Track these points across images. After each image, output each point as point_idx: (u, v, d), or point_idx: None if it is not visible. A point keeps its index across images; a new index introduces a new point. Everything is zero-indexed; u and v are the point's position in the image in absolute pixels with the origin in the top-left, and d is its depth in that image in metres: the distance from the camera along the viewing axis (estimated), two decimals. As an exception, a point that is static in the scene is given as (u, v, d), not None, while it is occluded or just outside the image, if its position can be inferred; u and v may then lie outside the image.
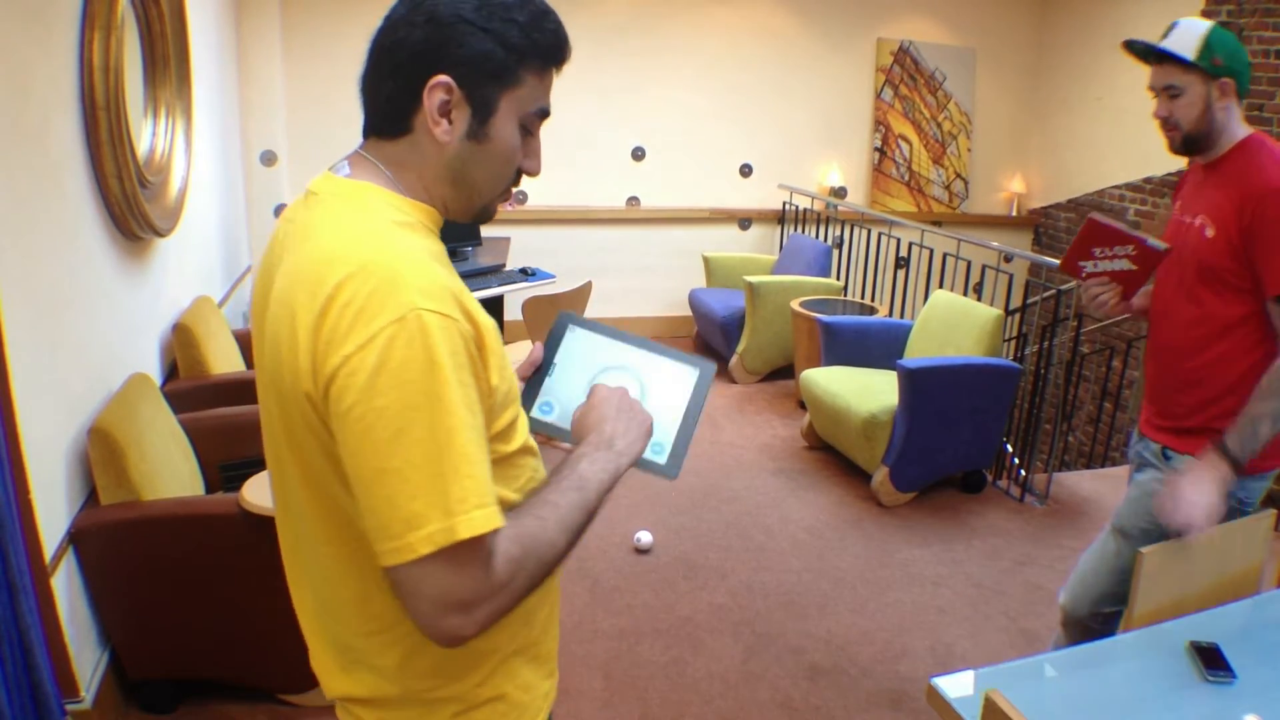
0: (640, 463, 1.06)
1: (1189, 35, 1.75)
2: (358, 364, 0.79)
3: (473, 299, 0.89)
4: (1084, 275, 1.93)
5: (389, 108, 0.93)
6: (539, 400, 1.12)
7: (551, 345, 1.14)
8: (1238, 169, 1.77)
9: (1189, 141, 1.80)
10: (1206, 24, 1.76)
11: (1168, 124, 1.81)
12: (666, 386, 1.12)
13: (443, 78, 0.89)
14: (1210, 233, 1.78)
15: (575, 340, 1.14)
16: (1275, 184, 1.70)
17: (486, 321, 0.88)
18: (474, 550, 0.81)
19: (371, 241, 0.86)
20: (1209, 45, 1.73)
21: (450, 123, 0.91)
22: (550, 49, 0.94)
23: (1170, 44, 1.77)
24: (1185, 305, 1.86)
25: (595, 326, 1.16)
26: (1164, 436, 1.95)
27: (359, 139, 0.98)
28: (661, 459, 1.09)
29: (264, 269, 0.97)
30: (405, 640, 0.93)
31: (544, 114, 0.97)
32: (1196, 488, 1.68)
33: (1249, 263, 1.73)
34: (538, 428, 1.11)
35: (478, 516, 0.80)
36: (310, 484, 0.90)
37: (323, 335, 0.81)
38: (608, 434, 1.01)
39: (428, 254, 0.88)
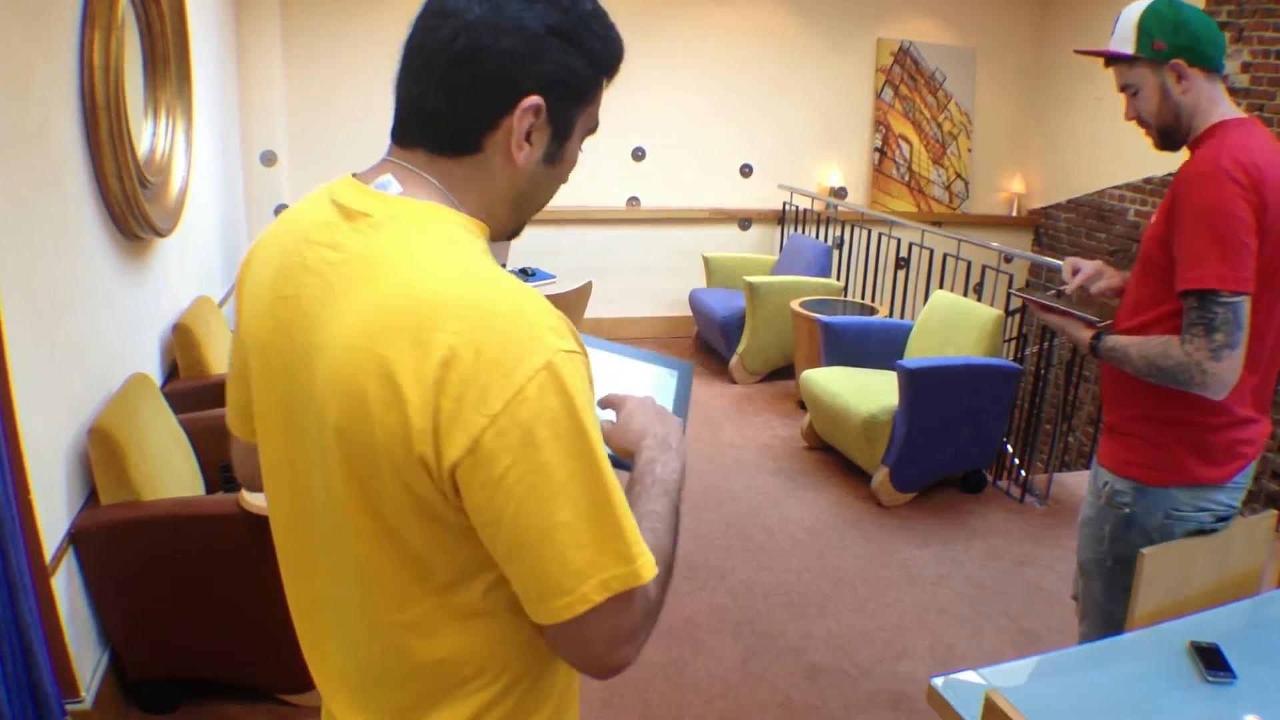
0: None
1: (1125, 27, 1.64)
2: (508, 422, 0.72)
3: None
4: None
5: (461, 125, 0.82)
6: None
7: None
8: (1192, 155, 1.64)
9: (1163, 135, 1.68)
10: (1140, 7, 1.62)
11: (1140, 124, 1.70)
12: (647, 392, 1.11)
13: (535, 99, 0.81)
14: (1153, 219, 1.68)
15: None
16: (1194, 170, 1.56)
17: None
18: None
19: (478, 277, 0.77)
20: (1144, 31, 1.61)
21: (530, 145, 0.83)
22: (619, 60, 0.88)
23: (1113, 42, 1.67)
24: (1129, 296, 1.77)
25: None
26: (1100, 443, 1.86)
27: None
28: None
29: (283, 299, 0.84)
30: (482, 693, 0.87)
31: (596, 127, 0.91)
32: (1063, 317, 1.84)
33: (1171, 254, 1.61)
34: None
35: (649, 555, 0.79)
36: (389, 547, 0.81)
37: (450, 391, 0.72)
38: (661, 435, 0.98)
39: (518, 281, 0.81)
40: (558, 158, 0.87)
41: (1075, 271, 1.91)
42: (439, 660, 0.85)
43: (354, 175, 0.87)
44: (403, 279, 0.76)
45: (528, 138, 0.82)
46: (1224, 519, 1.72)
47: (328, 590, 0.90)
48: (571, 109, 0.85)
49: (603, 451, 0.77)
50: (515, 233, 0.93)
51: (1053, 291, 1.97)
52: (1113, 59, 1.68)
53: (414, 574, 0.82)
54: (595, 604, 0.76)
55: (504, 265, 4.69)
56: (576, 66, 0.83)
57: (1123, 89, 1.69)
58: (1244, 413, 1.69)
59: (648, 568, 0.78)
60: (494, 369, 0.72)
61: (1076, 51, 1.81)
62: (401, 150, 0.86)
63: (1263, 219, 1.53)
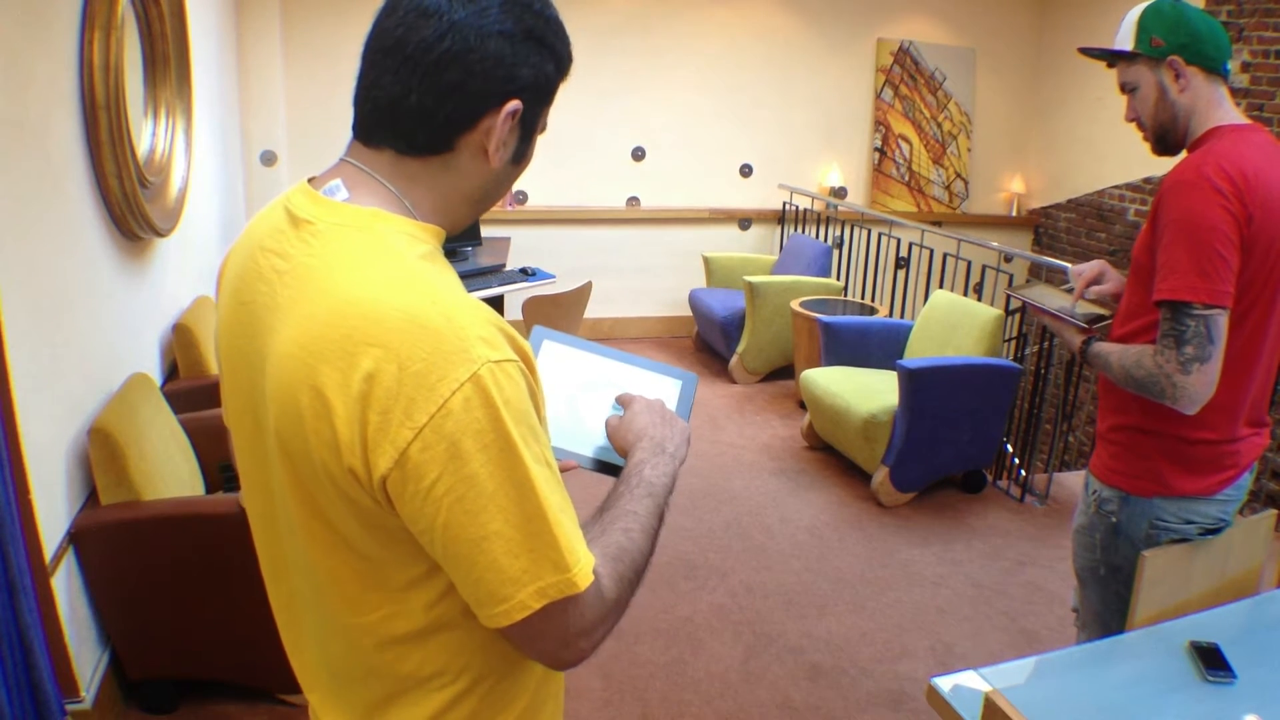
0: None
1: (1127, 25, 1.62)
2: (433, 435, 0.72)
3: (506, 322, 0.82)
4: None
5: (441, 127, 0.81)
6: None
7: None
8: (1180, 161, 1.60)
9: (1158, 138, 1.64)
10: (1143, 5, 1.61)
11: (1139, 126, 1.66)
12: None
13: (517, 103, 0.82)
14: (1144, 226, 1.65)
15: (550, 355, 1.11)
16: (1177, 177, 1.52)
17: (526, 346, 0.81)
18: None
19: (409, 288, 0.76)
20: (1143, 27, 1.58)
21: (504, 147, 0.84)
22: (572, 63, 0.89)
23: (1115, 42, 1.65)
24: (1122, 302, 1.75)
25: (570, 340, 1.13)
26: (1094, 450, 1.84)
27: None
28: None
29: (242, 305, 0.85)
30: (443, 692, 0.88)
31: (546, 127, 0.92)
32: (1057, 321, 1.81)
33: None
34: None
35: (586, 563, 0.79)
36: (341, 551, 0.82)
37: (376, 405, 0.73)
38: (658, 439, 1.01)
39: (460, 287, 0.81)
40: (522, 156, 0.89)
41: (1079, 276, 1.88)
42: (397, 660, 0.86)
43: (311, 179, 0.87)
44: (334, 290, 0.77)
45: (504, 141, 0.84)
46: (1213, 531, 1.69)
47: (299, 586, 0.91)
48: (539, 110, 0.87)
49: (537, 461, 0.77)
50: (470, 228, 0.93)
51: (1037, 288, 1.95)
52: (1114, 59, 1.67)
53: (368, 579, 0.83)
54: (533, 610, 0.77)
55: (502, 265, 4.70)
56: (548, 70, 0.85)
57: (1123, 88, 1.68)
58: (1233, 432, 1.65)
59: (583, 575, 0.79)
60: (418, 382, 0.72)
61: (1079, 50, 1.80)
62: (366, 149, 0.85)
63: (1246, 230, 1.49)
